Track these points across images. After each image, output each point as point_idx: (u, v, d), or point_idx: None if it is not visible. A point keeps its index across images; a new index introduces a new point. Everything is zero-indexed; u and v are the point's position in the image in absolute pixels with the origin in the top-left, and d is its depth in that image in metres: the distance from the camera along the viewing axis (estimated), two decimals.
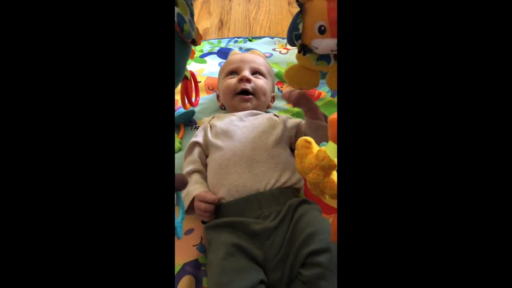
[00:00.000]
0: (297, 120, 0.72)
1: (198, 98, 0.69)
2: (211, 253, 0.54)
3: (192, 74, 0.63)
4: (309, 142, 0.40)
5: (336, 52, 0.43)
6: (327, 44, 0.40)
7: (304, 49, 0.42)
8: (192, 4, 0.46)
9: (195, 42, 0.46)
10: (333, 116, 0.33)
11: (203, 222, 0.64)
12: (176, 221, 0.42)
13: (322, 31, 0.40)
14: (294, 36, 0.42)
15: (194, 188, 0.62)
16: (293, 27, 0.43)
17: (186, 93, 0.60)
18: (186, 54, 0.48)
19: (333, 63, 0.44)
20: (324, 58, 0.42)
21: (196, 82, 0.65)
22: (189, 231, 0.64)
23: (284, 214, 0.55)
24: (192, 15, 0.46)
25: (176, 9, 0.42)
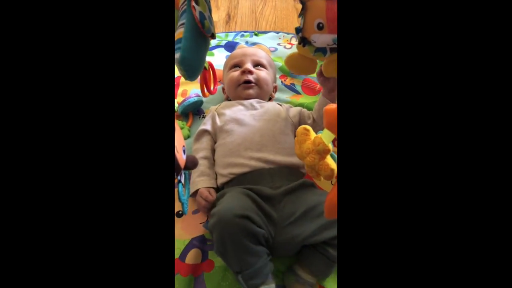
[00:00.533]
0: (297, 108, 0.78)
1: (216, 87, 0.75)
2: (222, 198, 0.59)
3: (211, 65, 0.68)
4: (308, 130, 0.45)
5: (332, 46, 0.48)
6: (324, 39, 0.46)
7: (303, 41, 0.48)
8: (209, 1, 0.51)
9: (214, 36, 0.51)
10: (328, 106, 0.38)
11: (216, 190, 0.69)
12: (183, 198, 0.48)
13: (320, 27, 0.45)
14: (295, 29, 0.47)
15: (200, 180, 0.68)
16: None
17: (205, 82, 0.65)
18: (206, 47, 0.54)
19: (329, 54, 0.49)
20: (321, 50, 0.48)
21: (214, 72, 0.70)
22: (196, 211, 0.70)
23: (295, 186, 0.61)
24: (210, 11, 0.51)
25: (198, 7, 0.47)
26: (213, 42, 1.09)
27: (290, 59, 0.53)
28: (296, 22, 1.23)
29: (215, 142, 0.73)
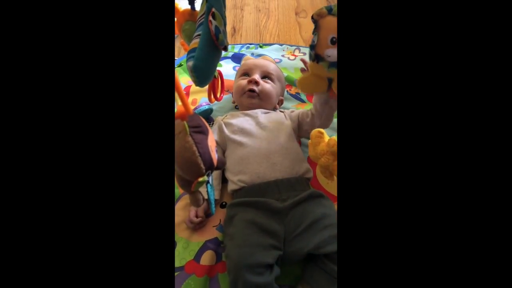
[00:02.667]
0: (296, 112, 0.81)
1: (223, 94, 0.79)
2: (232, 227, 0.62)
3: (220, 74, 0.72)
4: (322, 133, 0.49)
5: None
6: None
7: (317, 58, 0.51)
8: (225, 16, 0.55)
9: (226, 48, 0.55)
10: None
11: (222, 206, 0.72)
12: (212, 197, 0.50)
13: (333, 42, 0.48)
14: (310, 46, 0.50)
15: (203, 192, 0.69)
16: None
17: (212, 89, 0.69)
18: (218, 58, 0.57)
19: None
20: (334, 65, 0.51)
21: (222, 80, 0.74)
22: (208, 214, 0.72)
23: (302, 198, 0.62)
24: (225, 25, 0.55)
25: (214, 22, 0.51)
26: None
27: (303, 81, 0.56)
28: (298, 36, 1.28)
29: (223, 151, 0.76)
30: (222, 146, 0.77)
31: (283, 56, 1.12)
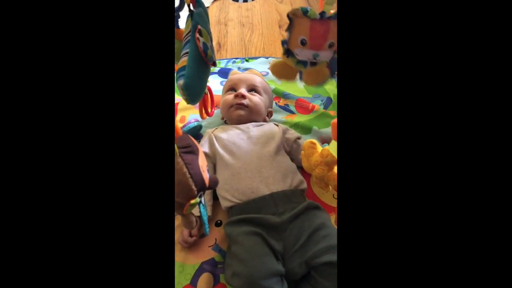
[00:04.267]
0: (295, 134, 0.80)
1: (213, 109, 0.78)
2: (235, 245, 0.59)
3: (209, 89, 0.71)
4: (314, 143, 0.48)
5: (312, 60, 0.52)
6: (306, 53, 0.51)
7: (288, 53, 0.52)
8: (211, 32, 0.54)
9: (215, 64, 0.54)
10: (336, 120, 0.41)
11: (217, 225, 0.70)
12: (205, 218, 0.48)
13: (303, 43, 0.49)
14: (282, 42, 0.52)
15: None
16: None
17: (204, 105, 0.68)
18: (208, 74, 0.57)
19: (309, 67, 0.54)
20: (302, 62, 0.53)
21: (212, 96, 0.73)
22: (203, 235, 0.70)
23: (300, 211, 0.61)
24: (211, 40, 0.54)
25: (201, 39, 0.50)
26: None
27: (275, 66, 0.58)
28: None
29: (213, 165, 0.75)
30: (213, 159, 0.75)
31: (269, 68, 1.12)
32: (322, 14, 0.47)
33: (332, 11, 0.47)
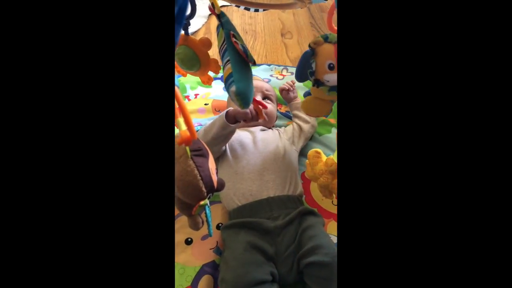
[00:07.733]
0: (289, 129, 0.84)
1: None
2: (227, 251, 0.61)
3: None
4: (319, 153, 0.50)
5: None
6: (336, 77, 0.51)
7: (317, 83, 0.53)
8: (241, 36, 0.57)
9: (255, 63, 0.56)
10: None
11: (218, 227, 0.71)
12: (210, 219, 0.49)
13: (331, 67, 0.51)
14: (309, 73, 0.53)
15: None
16: (303, 67, 0.54)
17: (258, 104, 0.69)
18: (251, 75, 0.58)
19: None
20: (334, 89, 0.53)
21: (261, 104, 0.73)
22: (204, 237, 0.71)
23: (293, 216, 0.63)
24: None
25: (239, 42, 0.52)
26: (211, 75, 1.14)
27: (306, 104, 0.58)
28: (285, 56, 1.32)
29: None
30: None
31: (271, 76, 1.14)
32: None
33: None
